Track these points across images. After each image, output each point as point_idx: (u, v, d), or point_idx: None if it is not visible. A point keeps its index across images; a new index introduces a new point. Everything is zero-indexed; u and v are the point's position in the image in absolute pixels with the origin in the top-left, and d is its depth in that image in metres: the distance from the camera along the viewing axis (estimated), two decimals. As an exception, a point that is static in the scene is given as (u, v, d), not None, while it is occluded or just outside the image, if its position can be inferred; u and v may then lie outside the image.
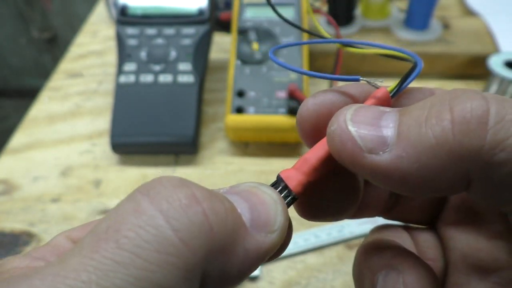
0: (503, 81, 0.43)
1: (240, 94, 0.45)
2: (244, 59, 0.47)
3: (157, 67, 0.47)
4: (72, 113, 0.52)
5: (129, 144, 0.45)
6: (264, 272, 0.36)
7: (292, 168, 0.14)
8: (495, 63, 0.44)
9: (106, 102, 0.53)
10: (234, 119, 0.44)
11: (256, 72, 0.46)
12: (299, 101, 0.43)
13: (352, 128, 0.12)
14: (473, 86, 0.53)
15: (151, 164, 0.46)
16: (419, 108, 0.11)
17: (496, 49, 0.51)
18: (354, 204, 0.15)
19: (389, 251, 0.14)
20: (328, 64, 0.52)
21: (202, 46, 0.48)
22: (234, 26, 0.49)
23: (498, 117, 0.10)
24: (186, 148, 0.45)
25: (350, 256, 0.37)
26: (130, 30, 0.48)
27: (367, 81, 0.15)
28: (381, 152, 0.11)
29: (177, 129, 0.44)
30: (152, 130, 0.44)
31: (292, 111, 0.44)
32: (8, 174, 0.45)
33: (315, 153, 0.14)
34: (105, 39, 0.65)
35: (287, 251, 0.37)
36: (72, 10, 1.58)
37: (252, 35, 0.48)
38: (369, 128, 0.12)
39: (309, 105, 0.14)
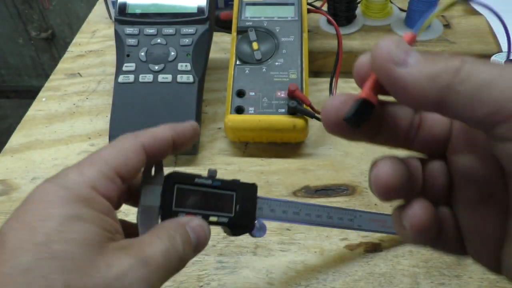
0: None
1: (240, 94, 0.45)
2: (244, 59, 0.47)
3: (156, 67, 0.46)
4: (70, 113, 0.52)
5: (128, 144, 0.44)
6: (264, 273, 0.35)
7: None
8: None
9: (105, 102, 0.53)
10: (234, 119, 0.44)
11: (256, 72, 0.46)
12: (299, 101, 0.43)
13: (392, 47, 0.17)
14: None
15: (150, 165, 0.45)
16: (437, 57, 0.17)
17: (498, 49, 0.51)
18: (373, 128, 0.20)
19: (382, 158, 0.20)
20: (328, 63, 0.52)
21: (202, 46, 0.47)
22: (234, 26, 0.49)
23: (467, 70, 0.16)
24: (185, 148, 0.45)
25: (350, 257, 0.37)
26: (129, 30, 0.48)
27: None
28: (402, 66, 0.17)
29: (177, 129, 0.44)
30: (151, 130, 0.44)
31: (292, 111, 0.43)
32: (7, 175, 0.45)
33: (368, 80, 0.19)
34: (104, 38, 0.64)
35: (293, 219, 0.32)
36: (71, 9, 1.58)
37: (252, 35, 0.48)
38: (401, 52, 0.17)
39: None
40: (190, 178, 0.26)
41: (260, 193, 0.42)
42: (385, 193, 0.19)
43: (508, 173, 0.18)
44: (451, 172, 0.21)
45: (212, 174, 0.27)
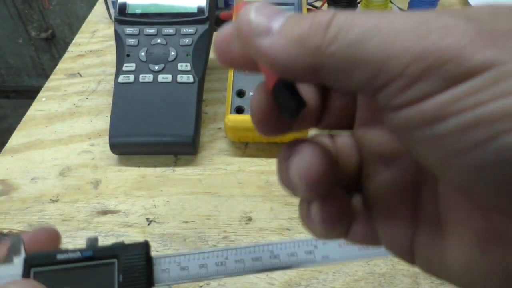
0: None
1: (240, 94, 0.45)
2: (244, 58, 0.47)
3: (156, 67, 0.46)
4: (70, 113, 0.52)
5: (128, 144, 0.45)
6: (264, 273, 0.35)
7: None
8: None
9: (105, 102, 0.53)
10: (233, 119, 0.44)
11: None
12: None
13: (252, 16, 0.14)
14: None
15: (151, 165, 0.45)
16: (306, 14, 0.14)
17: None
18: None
19: (296, 143, 0.17)
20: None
21: (202, 46, 0.47)
22: (234, 26, 0.49)
23: (337, 26, 0.13)
24: (185, 148, 0.45)
25: (350, 257, 0.37)
26: (129, 30, 0.48)
27: None
28: (266, 35, 0.14)
29: (177, 129, 0.44)
30: (151, 130, 0.44)
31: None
32: (7, 175, 0.45)
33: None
34: (104, 38, 0.64)
35: (217, 273, 0.24)
36: (71, 9, 1.58)
37: (252, 35, 0.48)
38: (263, 19, 0.14)
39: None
40: (51, 257, 0.22)
41: (260, 193, 0.42)
42: (316, 187, 0.16)
43: (409, 150, 0.14)
44: (360, 149, 0.19)
45: (91, 243, 0.23)
